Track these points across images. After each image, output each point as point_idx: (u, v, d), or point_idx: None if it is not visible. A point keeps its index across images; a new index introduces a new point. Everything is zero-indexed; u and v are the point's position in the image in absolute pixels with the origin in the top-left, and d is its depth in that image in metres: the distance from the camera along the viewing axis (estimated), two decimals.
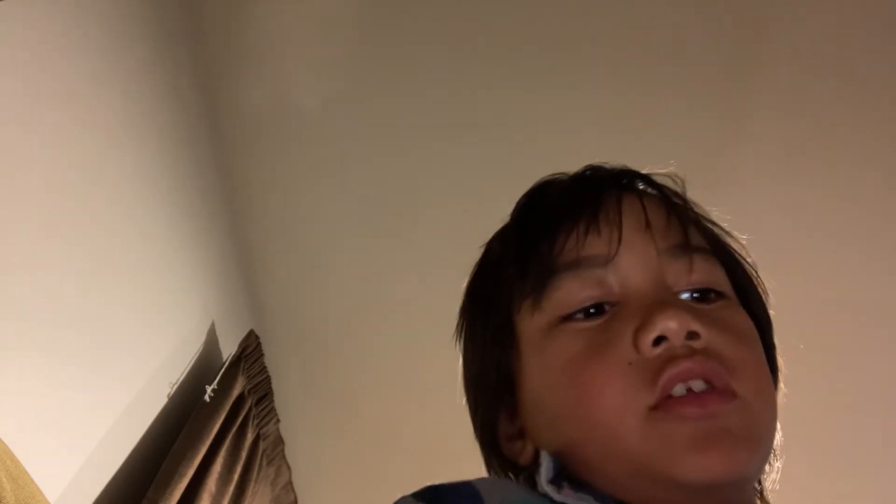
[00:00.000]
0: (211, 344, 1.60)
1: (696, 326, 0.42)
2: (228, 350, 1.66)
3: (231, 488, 1.45)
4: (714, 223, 0.53)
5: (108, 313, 1.18)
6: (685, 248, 0.47)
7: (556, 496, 0.42)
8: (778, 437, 0.48)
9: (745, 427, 0.41)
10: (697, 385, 0.41)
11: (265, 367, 1.78)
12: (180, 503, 1.23)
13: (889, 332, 1.75)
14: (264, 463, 1.73)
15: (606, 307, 0.46)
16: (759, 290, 0.53)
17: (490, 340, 0.51)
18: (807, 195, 1.66)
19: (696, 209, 0.51)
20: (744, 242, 0.54)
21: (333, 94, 1.70)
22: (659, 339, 0.42)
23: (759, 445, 0.43)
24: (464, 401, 0.58)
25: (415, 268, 1.83)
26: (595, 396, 0.43)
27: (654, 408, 0.41)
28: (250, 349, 1.70)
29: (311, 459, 2.01)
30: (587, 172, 0.53)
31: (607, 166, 0.53)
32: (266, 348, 1.81)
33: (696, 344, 0.42)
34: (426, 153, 1.73)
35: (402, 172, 1.75)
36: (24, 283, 0.97)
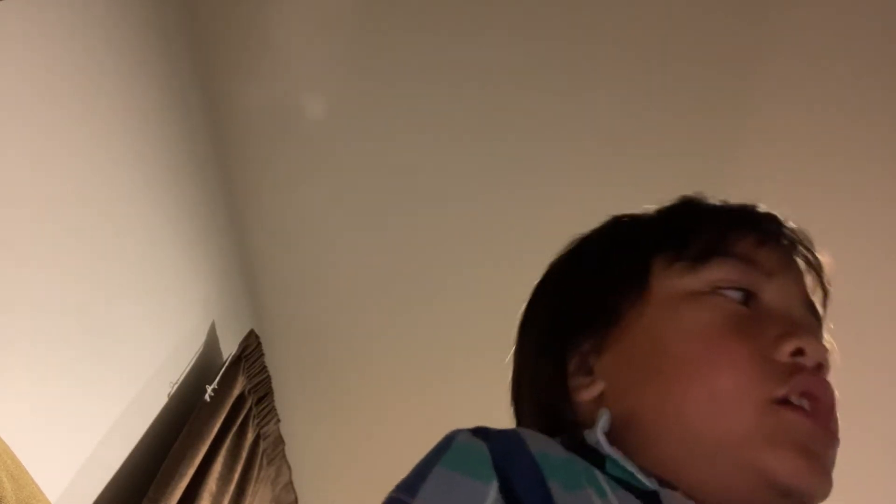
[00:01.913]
0: (211, 344, 1.60)
1: (827, 361, 0.48)
2: (229, 350, 1.66)
3: (231, 488, 1.45)
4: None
5: (108, 313, 1.18)
6: (816, 313, 0.54)
7: (606, 447, 0.45)
8: None
9: (833, 465, 0.46)
10: (806, 405, 0.46)
11: (265, 367, 1.78)
12: (181, 503, 1.23)
13: (890, 332, 1.75)
14: (264, 462, 1.73)
15: (752, 304, 0.50)
16: None
17: (616, 278, 0.54)
18: (810, 193, 1.66)
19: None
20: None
21: (333, 93, 1.70)
22: (796, 353, 0.47)
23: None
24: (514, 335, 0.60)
25: (415, 267, 1.83)
26: (727, 366, 0.46)
27: (778, 402, 0.45)
28: (250, 349, 1.69)
29: (311, 459, 2.01)
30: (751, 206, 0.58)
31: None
32: (266, 348, 1.81)
33: (821, 373, 0.48)
34: (426, 153, 1.73)
35: (402, 172, 1.75)
36: (25, 283, 0.97)
